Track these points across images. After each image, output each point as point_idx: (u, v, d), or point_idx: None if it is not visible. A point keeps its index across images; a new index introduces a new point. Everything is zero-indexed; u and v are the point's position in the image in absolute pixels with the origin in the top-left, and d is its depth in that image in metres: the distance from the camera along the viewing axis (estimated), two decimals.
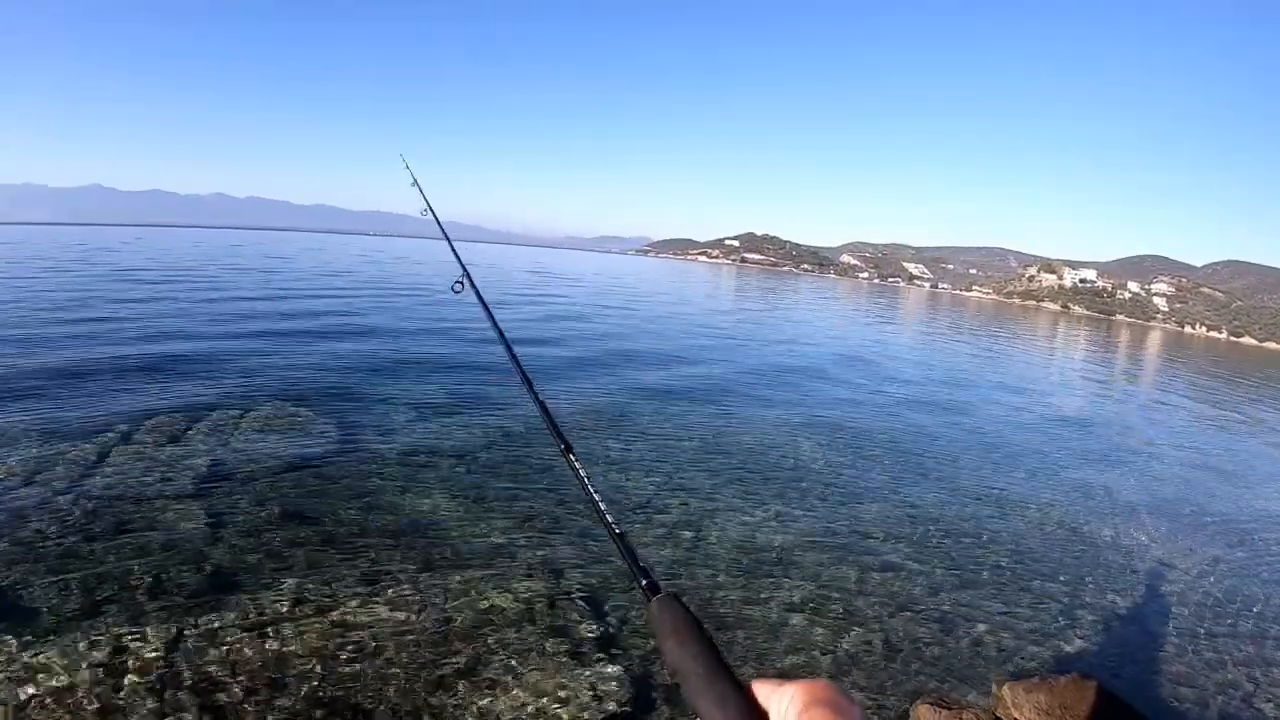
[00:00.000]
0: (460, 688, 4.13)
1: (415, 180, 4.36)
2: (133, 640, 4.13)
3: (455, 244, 3.37)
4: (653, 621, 0.81)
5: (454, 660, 4.35)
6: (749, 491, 7.94)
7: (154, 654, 4.04)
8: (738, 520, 7.08)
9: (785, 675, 0.66)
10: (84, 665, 3.89)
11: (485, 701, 4.04)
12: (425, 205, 4.08)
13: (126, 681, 3.82)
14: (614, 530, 1.04)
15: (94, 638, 4.12)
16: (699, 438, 9.85)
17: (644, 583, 0.89)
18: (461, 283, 2.70)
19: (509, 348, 1.89)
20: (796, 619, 5.42)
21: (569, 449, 1.30)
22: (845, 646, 5.16)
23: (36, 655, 3.94)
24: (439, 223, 3.85)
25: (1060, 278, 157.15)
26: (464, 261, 2.92)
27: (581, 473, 1.21)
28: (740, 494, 7.83)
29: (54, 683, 3.75)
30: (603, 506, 1.09)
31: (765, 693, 0.65)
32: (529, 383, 1.70)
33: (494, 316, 2.18)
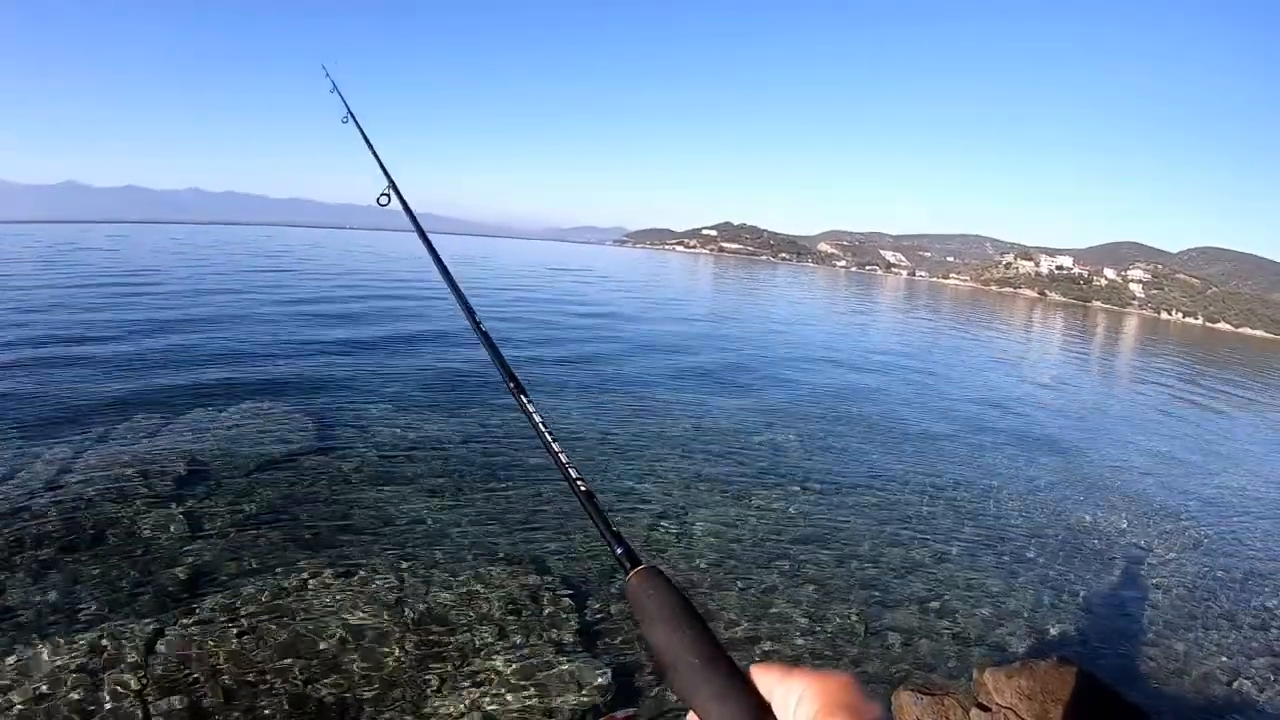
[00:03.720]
0: (443, 682, 4.11)
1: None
2: (112, 642, 4.06)
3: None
4: (633, 600, 0.67)
5: (437, 655, 4.33)
6: (732, 478, 7.95)
7: (134, 655, 3.98)
8: (718, 505, 7.09)
9: (788, 658, 0.55)
10: (64, 669, 3.82)
11: (468, 696, 4.02)
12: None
13: (106, 683, 3.76)
14: (579, 488, 0.80)
15: (73, 640, 4.05)
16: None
17: (619, 551, 0.72)
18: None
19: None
20: (775, 603, 5.45)
21: (520, 389, 0.98)
22: (825, 631, 5.18)
23: (15, 659, 3.87)
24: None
25: (1037, 265, 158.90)
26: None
27: (536, 416, 0.91)
28: (724, 481, 7.84)
29: (33, 687, 3.68)
30: (564, 458, 0.84)
31: (769, 682, 0.56)
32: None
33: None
